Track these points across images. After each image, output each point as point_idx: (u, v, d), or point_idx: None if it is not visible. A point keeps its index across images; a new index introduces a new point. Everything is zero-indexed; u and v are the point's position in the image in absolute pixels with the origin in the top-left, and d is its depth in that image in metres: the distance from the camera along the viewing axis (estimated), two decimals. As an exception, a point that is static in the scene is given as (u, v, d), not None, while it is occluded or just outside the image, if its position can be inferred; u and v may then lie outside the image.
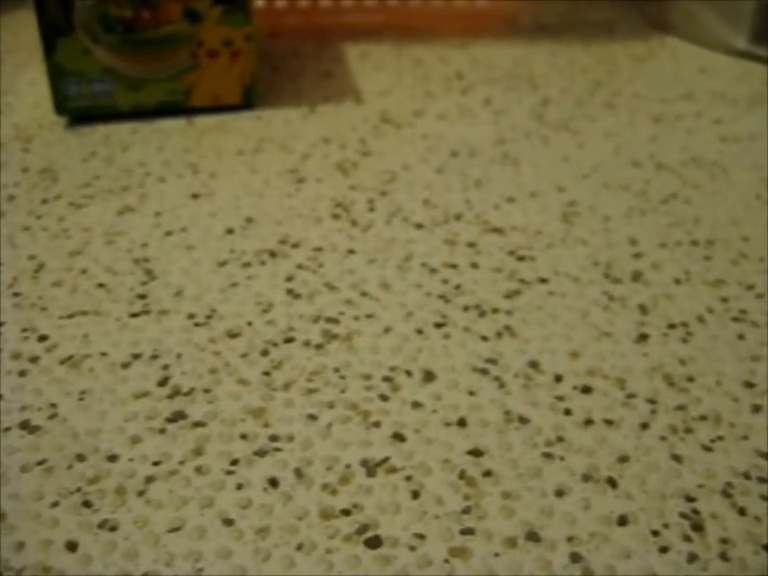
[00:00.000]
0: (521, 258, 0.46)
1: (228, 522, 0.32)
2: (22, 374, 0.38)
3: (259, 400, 0.37)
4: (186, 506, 0.32)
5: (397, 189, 0.53)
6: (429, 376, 0.38)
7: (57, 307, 0.42)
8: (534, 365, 0.39)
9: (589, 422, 0.36)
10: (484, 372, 0.39)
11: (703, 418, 0.37)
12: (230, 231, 0.49)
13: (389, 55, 0.71)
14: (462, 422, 0.36)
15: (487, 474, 0.34)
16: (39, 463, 0.34)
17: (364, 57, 0.71)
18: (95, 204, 0.51)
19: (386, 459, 0.34)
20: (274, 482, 0.33)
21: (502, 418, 0.36)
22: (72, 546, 0.31)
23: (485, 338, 0.41)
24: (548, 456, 0.35)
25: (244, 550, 0.31)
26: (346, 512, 0.32)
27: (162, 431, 0.35)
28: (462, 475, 0.34)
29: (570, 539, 0.31)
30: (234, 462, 0.34)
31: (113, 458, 0.34)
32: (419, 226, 0.49)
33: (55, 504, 0.32)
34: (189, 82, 0.59)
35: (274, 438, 0.35)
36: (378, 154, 0.57)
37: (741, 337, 0.41)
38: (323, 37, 0.74)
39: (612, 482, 0.33)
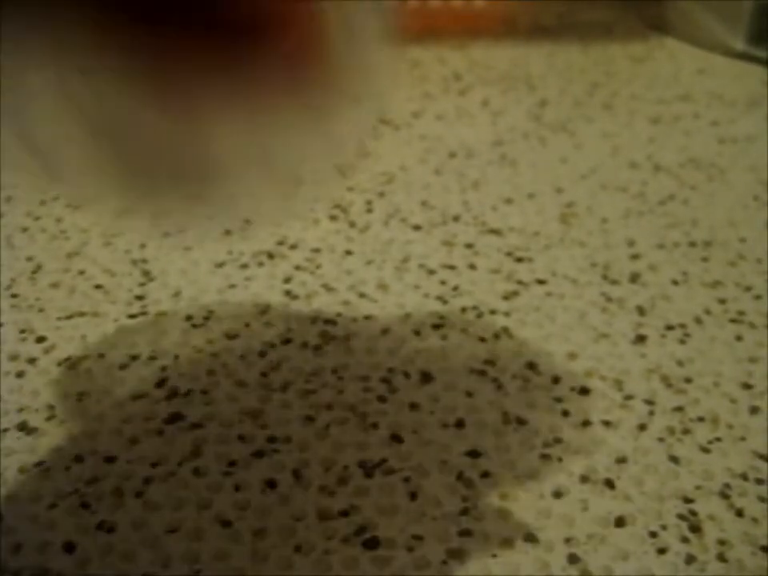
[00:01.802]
0: (519, 260, 0.46)
1: (226, 524, 0.32)
2: (20, 375, 0.38)
3: (257, 401, 0.37)
4: (183, 508, 0.32)
5: (395, 190, 0.53)
6: (426, 377, 0.38)
7: (54, 308, 0.42)
8: (531, 366, 0.39)
9: (586, 423, 0.36)
10: (482, 373, 0.39)
11: (701, 419, 0.37)
12: (227, 232, 0.48)
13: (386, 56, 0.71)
14: (459, 423, 0.36)
15: (485, 475, 0.34)
16: (37, 465, 0.34)
17: (362, 58, 0.71)
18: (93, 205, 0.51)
19: (383, 461, 0.34)
20: (271, 484, 0.33)
21: (500, 419, 0.36)
22: (70, 548, 0.31)
23: (483, 339, 0.41)
24: (546, 457, 0.34)
25: (242, 552, 0.31)
26: (343, 513, 0.32)
27: (160, 433, 0.35)
28: (459, 476, 0.33)
29: (567, 540, 0.31)
30: (232, 464, 0.34)
31: (111, 460, 0.34)
32: (417, 228, 0.49)
33: (53, 505, 0.32)
34: (187, 83, 0.59)
35: (271, 440, 0.35)
36: (375, 155, 0.57)
37: (738, 338, 0.41)
38: (321, 38, 0.74)
39: (610, 484, 0.33)
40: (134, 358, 0.39)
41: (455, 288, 0.44)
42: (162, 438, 0.35)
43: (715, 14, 0.72)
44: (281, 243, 0.48)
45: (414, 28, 0.75)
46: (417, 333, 0.41)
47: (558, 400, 0.37)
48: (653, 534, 0.31)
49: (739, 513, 0.32)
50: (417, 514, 0.32)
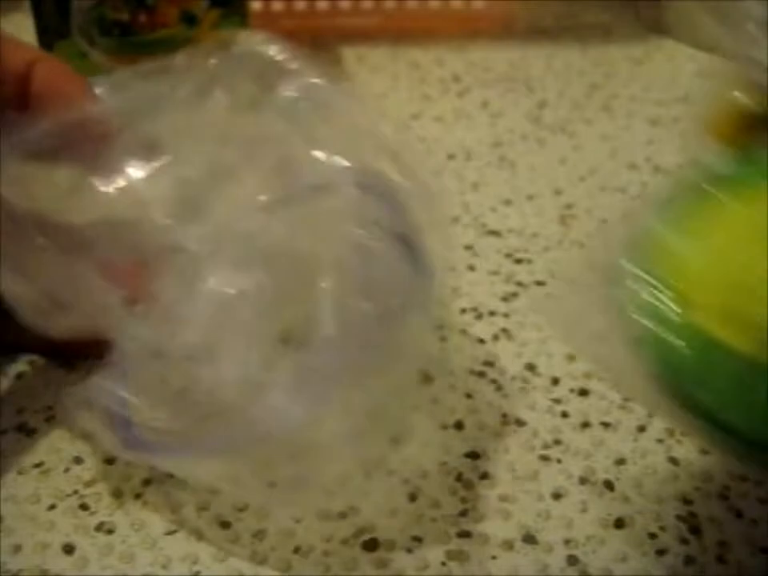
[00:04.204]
0: (518, 261, 0.46)
1: (225, 525, 0.31)
2: (19, 376, 0.38)
3: (256, 403, 0.37)
4: (182, 509, 0.32)
5: (394, 191, 0.53)
6: (426, 378, 0.38)
7: (53, 310, 0.42)
8: (530, 368, 0.39)
9: (586, 424, 0.36)
10: (481, 375, 0.39)
11: (700, 420, 0.37)
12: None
13: (385, 58, 0.71)
14: (459, 425, 0.36)
15: (484, 476, 0.34)
16: (36, 466, 0.34)
17: (360, 60, 0.71)
18: (92, 206, 0.51)
19: (383, 462, 0.34)
20: (270, 485, 0.33)
21: (499, 420, 0.36)
22: (69, 549, 0.31)
23: (482, 341, 0.41)
24: (545, 459, 0.35)
25: (241, 553, 0.31)
26: (342, 515, 0.32)
27: (159, 434, 0.35)
28: (458, 478, 0.33)
29: (567, 542, 0.31)
30: (231, 465, 0.34)
31: (110, 461, 0.34)
32: (416, 229, 0.49)
33: (52, 507, 0.32)
34: (186, 84, 0.59)
35: (271, 441, 0.35)
36: (374, 157, 0.57)
37: (737, 339, 0.41)
38: (319, 40, 0.74)
39: (609, 485, 0.33)
40: (133, 359, 0.39)
41: (454, 289, 0.44)
42: (161, 440, 0.35)
43: (714, 15, 0.72)
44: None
45: (413, 29, 0.75)
46: (416, 334, 0.41)
47: (557, 401, 0.37)
48: (652, 536, 0.31)
49: (739, 514, 0.32)
50: (416, 516, 0.32)
